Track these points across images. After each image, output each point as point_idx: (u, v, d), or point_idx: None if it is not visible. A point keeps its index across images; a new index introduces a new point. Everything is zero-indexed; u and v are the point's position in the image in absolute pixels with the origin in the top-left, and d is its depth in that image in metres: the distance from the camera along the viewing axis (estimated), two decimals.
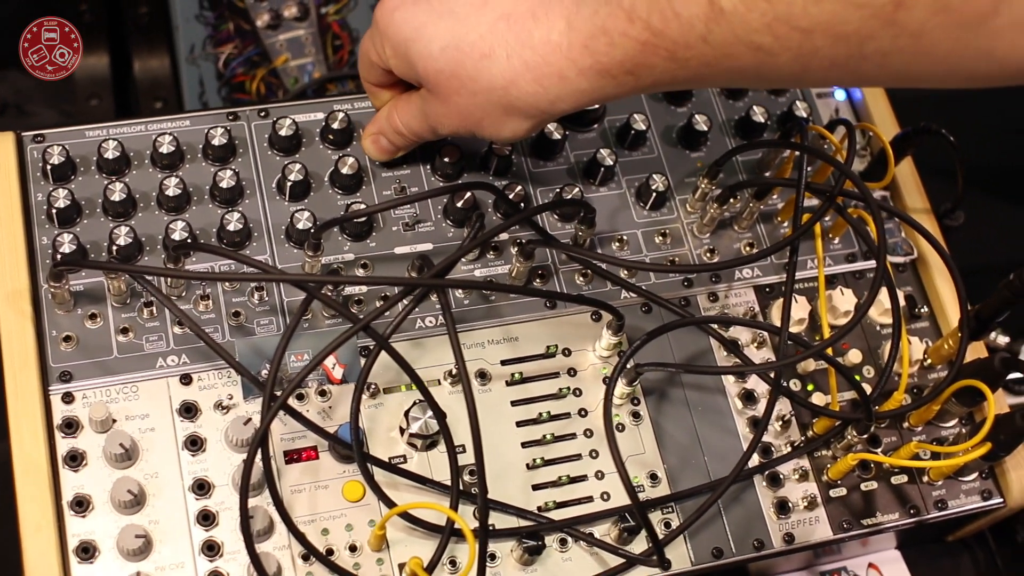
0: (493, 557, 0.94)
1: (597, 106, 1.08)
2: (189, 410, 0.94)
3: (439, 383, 0.98)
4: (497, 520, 0.94)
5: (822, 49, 0.77)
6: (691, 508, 0.97)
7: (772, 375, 1.00)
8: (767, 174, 1.11)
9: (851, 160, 1.01)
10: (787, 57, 0.78)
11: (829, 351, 0.99)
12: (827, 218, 1.09)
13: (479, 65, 0.88)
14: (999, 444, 0.98)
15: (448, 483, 0.93)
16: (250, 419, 0.92)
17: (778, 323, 1.01)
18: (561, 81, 0.86)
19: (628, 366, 0.97)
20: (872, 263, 1.08)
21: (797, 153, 1.03)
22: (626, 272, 1.04)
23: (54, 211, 0.97)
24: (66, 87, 1.34)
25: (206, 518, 0.91)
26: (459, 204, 1.02)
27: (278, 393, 0.88)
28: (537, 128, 0.93)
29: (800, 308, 1.05)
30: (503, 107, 0.89)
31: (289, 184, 1.01)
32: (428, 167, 1.05)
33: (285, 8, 1.32)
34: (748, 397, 1.02)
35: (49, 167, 0.99)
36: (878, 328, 1.08)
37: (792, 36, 0.77)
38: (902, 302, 1.06)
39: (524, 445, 0.98)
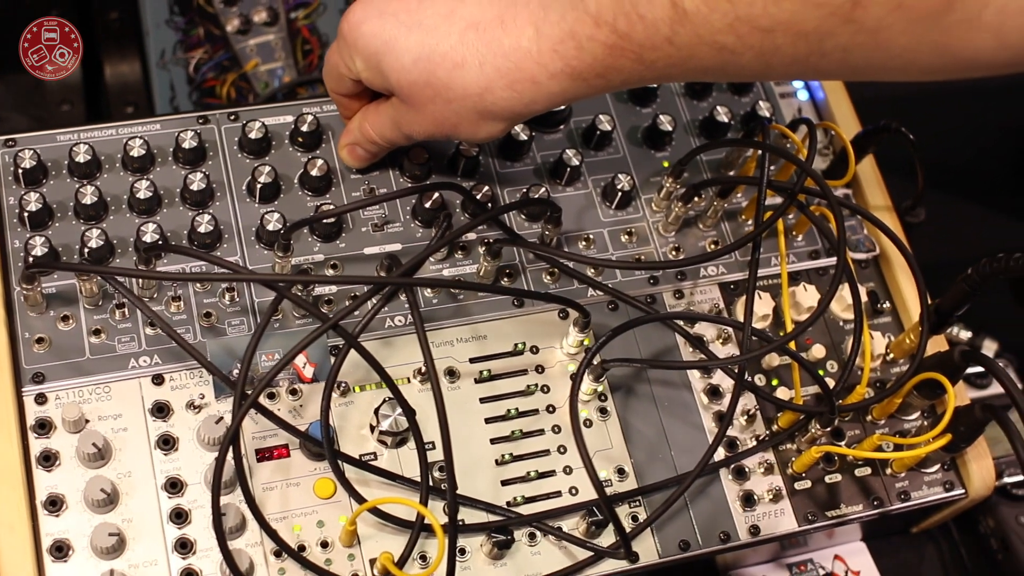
0: (463, 552, 0.95)
1: (563, 107, 1.10)
2: (161, 410, 0.95)
3: (408, 381, 0.99)
4: (467, 515, 0.96)
5: (783, 47, 0.79)
6: (658, 502, 0.98)
7: (735, 369, 1.01)
8: (731, 173, 1.12)
9: (812, 158, 1.03)
10: (750, 56, 0.80)
11: (792, 345, 1.01)
12: (791, 216, 1.11)
13: (452, 75, 0.89)
14: (959, 435, 1.00)
15: (418, 479, 0.94)
16: (222, 418, 0.93)
17: (743, 319, 1.02)
18: (534, 85, 0.87)
19: (594, 362, 0.98)
20: (835, 259, 1.10)
21: (760, 152, 1.05)
22: (593, 270, 1.05)
23: (26, 214, 0.98)
24: (38, 92, 1.35)
25: (179, 516, 0.92)
26: (427, 205, 1.03)
27: (249, 392, 0.89)
28: (512, 127, 0.97)
29: (764, 304, 1.06)
30: (478, 112, 0.90)
31: (259, 186, 1.02)
32: (397, 169, 1.07)
33: (255, 13, 1.33)
34: (713, 392, 1.03)
35: (21, 171, 1.00)
36: (841, 324, 1.09)
37: (754, 36, 0.79)
38: (864, 298, 1.08)
39: (493, 441, 0.99)
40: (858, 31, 0.76)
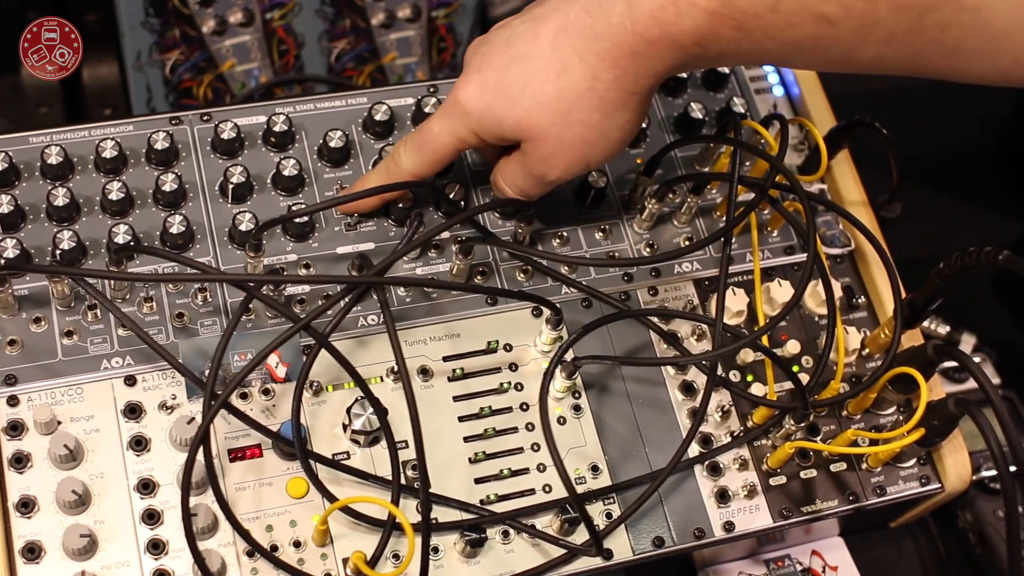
0: (436, 550, 0.95)
1: None
2: (134, 411, 0.95)
3: (382, 380, 0.99)
4: (440, 513, 0.96)
5: (883, 20, 0.80)
6: (632, 498, 0.98)
7: (707, 365, 1.01)
8: (706, 169, 1.12)
9: (783, 153, 1.03)
10: (848, 28, 0.82)
11: (765, 341, 1.01)
12: (765, 212, 1.11)
13: (559, 82, 0.89)
14: (933, 430, 1.00)
15: (391, 478, 0.94)
16: (193, 418, 0.93)
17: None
18: (635, 57, 0.87)
19: (567, 359, 0.98)
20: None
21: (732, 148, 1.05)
22: (567, 268, 1.05)
23: None
24: (15, 95, 1.35)
25: (151, 517, 0.92)
26: (400, 203, 1.03)
27: (220, 392, 0.89)
28: (638, 117, 0.93)
29: (738, 300, 1.06)
30: (597, 108, 0.90)
31: (231, 186, 1.02)
32: (370, 166, 1.07)
33: (230, 14, 1.33)
34: (688, 389, 1.03)
35: None
36: (816, 319, 1.09)
37: (857, 5, 0.80)
38: (839, 292, 1.08)
39: (466, 439, 0.99)
40: (960, 8, 0.78)
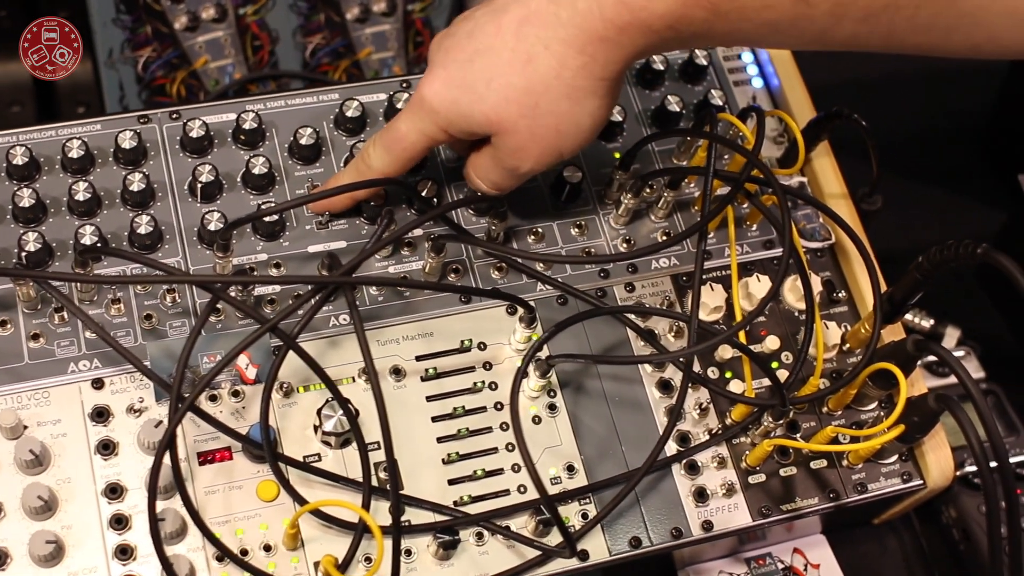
0: (409, 553, 0.93)
1: None
2: (101, 414, 0.93)
3: (354, 380, 0.98)
4: (413, 515, 0.94)
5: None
6: (609, 498, 0.97)
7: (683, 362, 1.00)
8: (684, 163, 1.11)
9: (759, 147, 1.01)
10: (824, 8, 0.81)
11: (742, 336, 1.00)
12: (744, 206, 1.10)
13: (526, 74, 0.87)
14: (913, 426, 0.99)
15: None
16: (161, 422, 0.92)
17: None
18: (604, 43, 0.85)
19: (541, 358, 0.97)
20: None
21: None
22: (542, 265, 1.04)
23: None
24: None
25: (119, 522, 0.91)
26: (372, 201, 1.02)
27: (188, 395, 0.88)
28: (609, 102, 0.91)
29: (717, 296, 1.05)
30: (566, 97, 0.88)
31: (200, 185, 1.01)
32: (341, 164, 1.05)
33: (203, 10, 1.31)
34: (665, 386, 1.02)
35: None
36: (796, 314, 1.08)
37: None
38: (819, 287, 1.07)
39: (440, 440, 0.97)
40: None
